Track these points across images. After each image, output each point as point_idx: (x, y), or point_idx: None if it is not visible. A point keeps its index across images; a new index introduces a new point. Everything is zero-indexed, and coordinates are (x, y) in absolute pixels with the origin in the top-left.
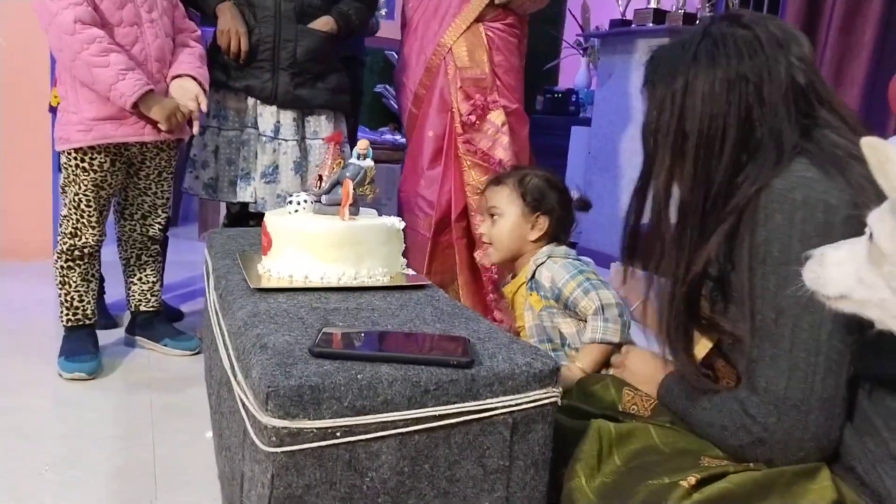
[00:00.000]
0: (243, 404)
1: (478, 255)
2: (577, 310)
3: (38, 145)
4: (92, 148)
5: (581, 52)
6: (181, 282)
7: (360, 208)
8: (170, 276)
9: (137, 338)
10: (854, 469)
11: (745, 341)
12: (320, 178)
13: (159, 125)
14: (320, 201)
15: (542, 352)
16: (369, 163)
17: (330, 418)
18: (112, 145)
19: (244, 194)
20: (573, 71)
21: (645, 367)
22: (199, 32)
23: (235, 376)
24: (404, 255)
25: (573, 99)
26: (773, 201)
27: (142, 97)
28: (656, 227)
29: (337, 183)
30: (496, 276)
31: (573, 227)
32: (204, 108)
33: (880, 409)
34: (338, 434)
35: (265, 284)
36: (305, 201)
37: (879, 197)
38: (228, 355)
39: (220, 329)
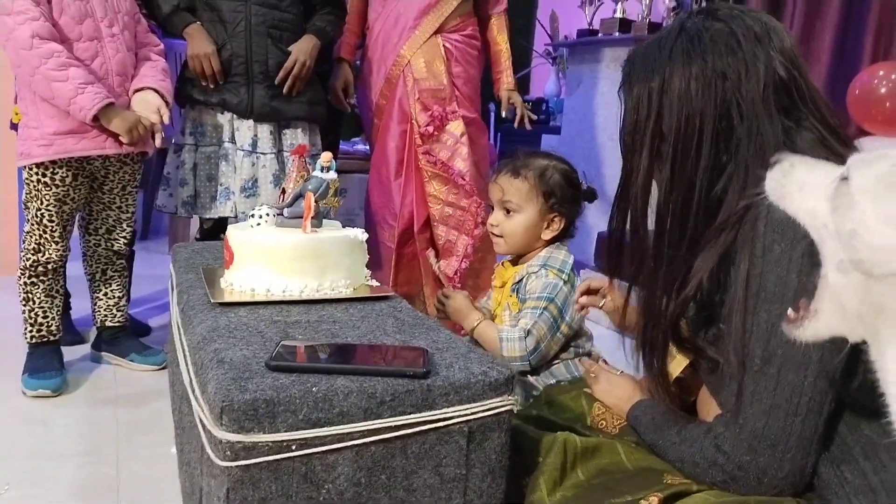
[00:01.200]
0: (200, 419)
1: (443, 263)
2: (517, 316)
3: (1, 161)
4: (53, 162)
5: (550, 61)
6: (150, 296)
7: (325, 220)
8: (139, 290)
9: (104, 353)
10: (830, 501)
11: (727, 372)
12: (283, 190)
13: (121, 138)
14: (283, 214)
15: (497, 361)
16: (332, 175)
17: (285, 431)
18: (74, 159)
19: (224, 209)
20: (544, 80)
21: (615, 390)
22: (161, 46)
23: (193, 391)
24: (368, 266)
25: (543, 108)
26: (773, 231)
27: (102, 110)
28: (634, 233)
29: (299, 196)
30: (459, 285)
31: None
32: (166, 119)
33: (858, 437)
34: (293, 447)
35: (226, 298)
36: (268, 214)
37: None
38: (187, 370)
39: (181, 344)
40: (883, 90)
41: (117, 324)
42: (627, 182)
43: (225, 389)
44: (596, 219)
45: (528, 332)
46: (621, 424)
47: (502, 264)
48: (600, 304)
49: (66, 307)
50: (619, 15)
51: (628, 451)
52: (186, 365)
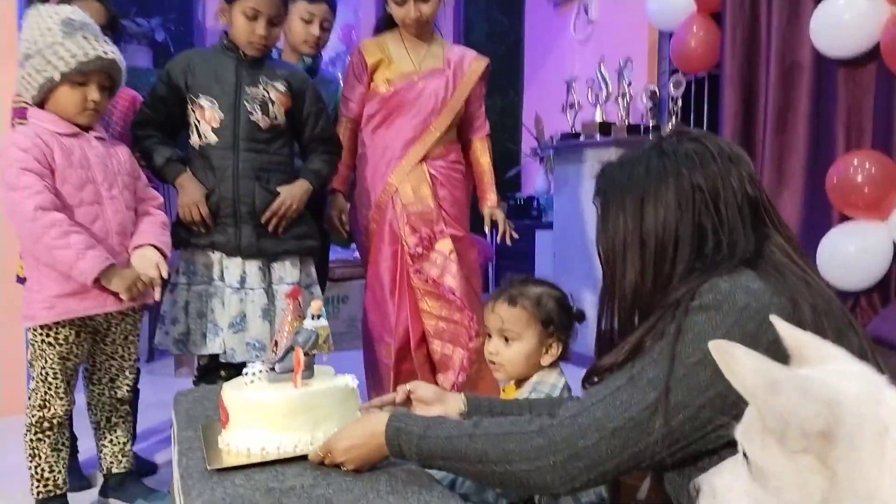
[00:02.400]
0: None
1: (440, 377)
2: None
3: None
4: (57, 323)
5: (539, 160)
6: (156, 427)
7: (318, 367)
8: (145, 421)
9: (111, 500)
10: None
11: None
12: (276, 343)
13: (121, 295)
14: (275, 369)
15: None
16: (322, 323)
17: None
18: (77, 318)
19: (213, 346)
20: (534, 177)
21: (359, 440)
22: (160, 200)
23: None
24: (371, 386)
25: (535, 204)
26: (714, 296)
27: (102, 272)
28: (622, 331)
29: (290, 350)
30: None
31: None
32: (164, 274)
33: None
34: None
35: (223, 462)
36: (260, 371)
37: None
38: None
39: None
40: (860, 178)
41: (123, 469)
42: (612, 284)
43: None
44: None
45: None
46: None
47: (503, 390)
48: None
49: (74, 450)
50: (598, 119)
51: None
52: None
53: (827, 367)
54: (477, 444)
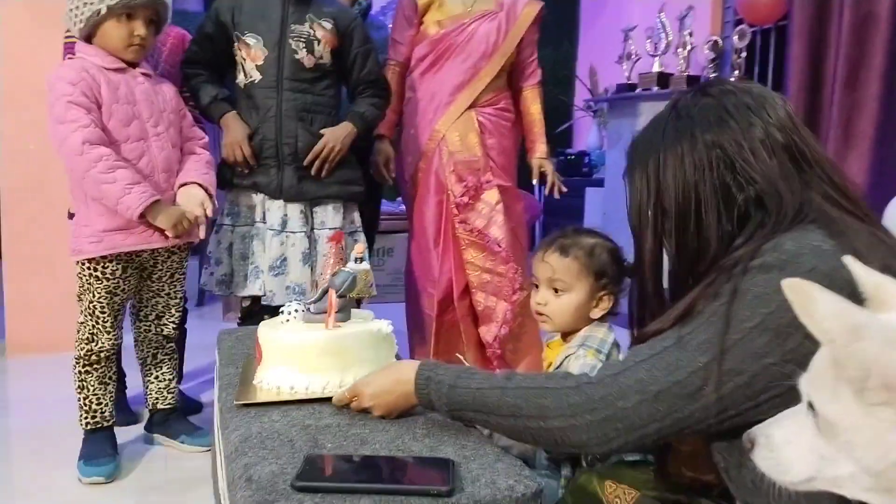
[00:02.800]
0: None
1: (483, 329)
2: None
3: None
4: (104, 257)
5: (591, 114)
6: (203, 368)
7: (357, 311)
8: (192, 363)
9: (156, 435)
10: None
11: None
12: (316, 285)
13: (166, 232)
14: (311, 310)
15: (526, 472)
16: (363, 267)
17: None
18: (123, 253)
19: (254, 287)
20: (586, 132)
21: (378, 385)
22: (206, 139)
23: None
24: (412, 336)
25: (586, 160)
26: (779, 256)
27: (148, 208)
28: (648, 302)
29: (326, 291)
30: (499, 350)
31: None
32: (210, 212)
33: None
34: None
35: (251, 398)
36: (297, 311)
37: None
38: (219, 484)
39: (219, 450)
40: None
41: (168, 406)
42: (639, 255)
43: None
44: None
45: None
46: (635, 499)
47: (548, 345)
48: None
49: (122, 387)
50: (656, 69)
51: None
52: (219, 478)
53: None
54: (509, 397)
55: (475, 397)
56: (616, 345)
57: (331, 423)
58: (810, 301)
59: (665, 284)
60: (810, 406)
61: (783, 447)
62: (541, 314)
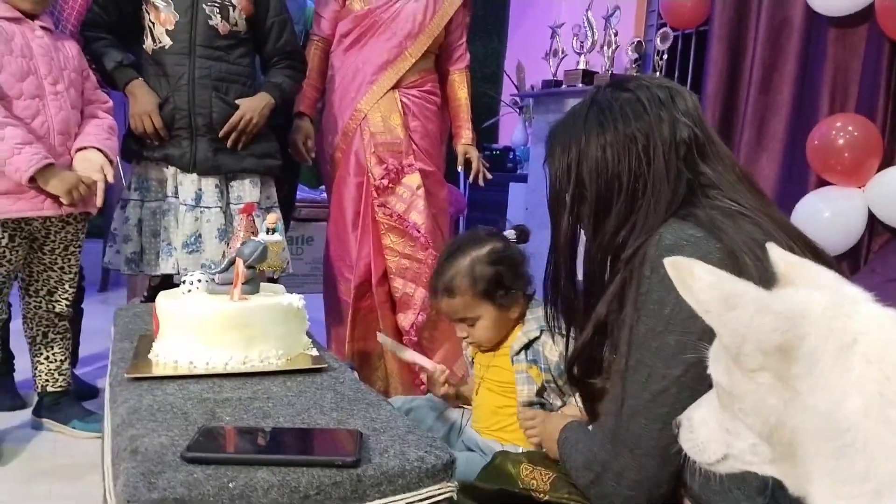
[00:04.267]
0: None
1: (400, 317)
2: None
3: None
4: None
5: (517, 110)
6: (102, 353)
7: (266, 285)
8: (92, 347)
9: (44, 420)
10: None
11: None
12: (224, 254)
13: (60, 199)
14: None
15: (437, 443)
16: (275, 238)
17: None
18: (10, 220)
19: (166, 265)
20: (511, 129)
21: (550, 431)
22: (110, 103)
23: (106, 484)
24: (329, 324)
25: (511, 156)
26: (659, 256)
27: (40, 171)
28: (559, 281)
29: (234, 261)
30: (416, 338)
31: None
32: (110, 178)
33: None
34: None
35: (150, 372)
36: (199, 280)
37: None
38: (104, 458)
39: (106, 427)
40: (841, 141)
41: (59, 388)
42: (556, 237)
43: (132, 487)
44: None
45: None
46: (551, 480)
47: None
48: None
49: (10, 369)
50: (582, 67)
51: None
52: (104, 453)
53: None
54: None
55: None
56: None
57: (231, 396)
58: (689, 275)
59: (580, 265)
60: (714, 381)
61: (700, 427)
62: (470, 344)
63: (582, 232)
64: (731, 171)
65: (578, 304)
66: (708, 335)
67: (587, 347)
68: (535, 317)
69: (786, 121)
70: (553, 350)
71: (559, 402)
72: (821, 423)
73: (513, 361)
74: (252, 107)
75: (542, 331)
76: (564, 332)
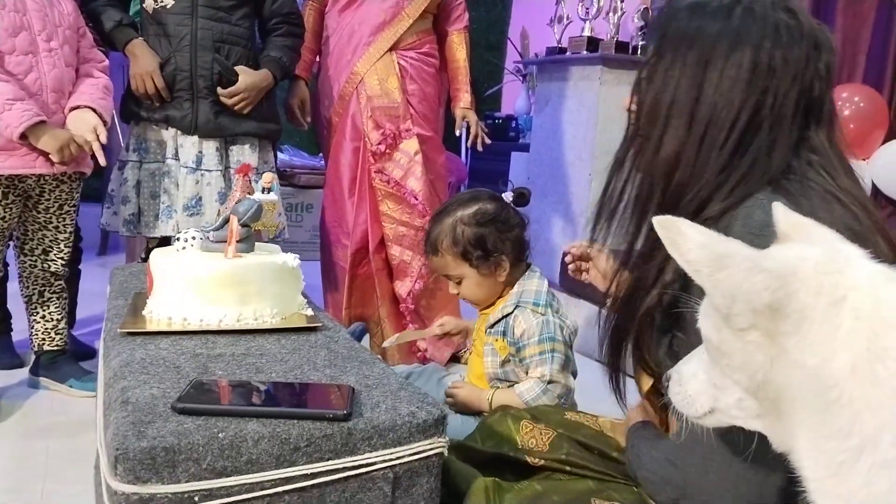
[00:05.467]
0: (100, 467)
1: (397, 284)
2: (526, 371)
3: None
4: None
5: (521, 78)
6: (100, 315)
7: (262, 245)
8: (89, 309)
9: (41, 379)
10: None
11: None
12: (219, 213)
13: (51, 157)
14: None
15: (429, 399)
16: (272, 197)
17: (186, 482)
18: (3, 177)
19: (166, 227)
20: (515, 97)
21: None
22: (106, 62)
23: (98, 435)
24: (327, 287)
25: (513, 125)
26: (749, 233)
27: (31, 128)
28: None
29: (228, 220)
30: (412, 306)
31: (526, 228)
32: (103, 139)
33: None
34: (196, 499)
35: (143, 328)
36: (194, 238)
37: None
38: (97, 410)
39: (99, 382)
40: (847, 112)
41: (56, 348)
42: (643, 149)
43: (122, 436)
44: (562, 238)
45: (551, 381)
46: (550, 438)
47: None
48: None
49: (7, 329)
50: (587, 34)
51: (550, 485)
52: (97, 407)
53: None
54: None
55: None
56: (550, 293)
57: (224, 352)
58: (678, 234)
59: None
60: (704, 336)
61: (689, 381)
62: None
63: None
64: (838, 147)
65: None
66: None
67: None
68: (521, 290)
69: None
70: (521, 324)
71: (522, 377)
72: (807, 380)
73: (486, 333)
74: (253, 84)
75: (516, 307)
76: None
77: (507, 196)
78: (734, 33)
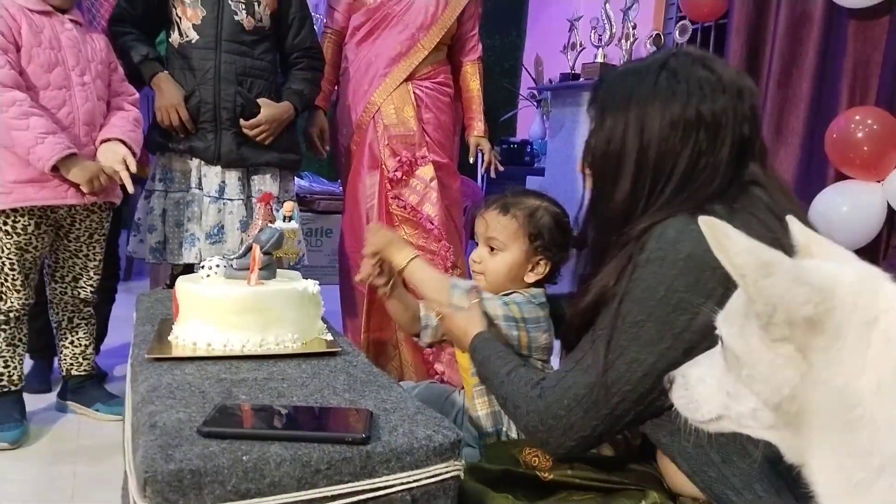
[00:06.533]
0: (129, 489)
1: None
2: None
3: None
4: (14, 211)
5: (535, 104)
6: (125, 339)
7: (283, 272)
8: (117, 335)
9: (69, 403)
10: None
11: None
12: (242, 240)
13: (81, 188)
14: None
15: (445, 423)
16: (292, 225)
17: None
18: (36, 208)
19: (189, 255)
20: (529, 122)
21: (458, 332)
22: (136, 96)
23: (126, 458)
24: (346, 312)
25: (528, 149)
26: (659, 248)
27: (62, 160)
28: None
29: (251, 247)
30: None
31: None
32: (133, 169)
33: (733, 469)
34: None
35: (169, 353)
36: (218, 266)
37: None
38: (125, 434)
39: (127, 405)
40: (860, 134)
41: (83, 372)
42: (601, 197)
43: (150, 458)
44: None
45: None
46: (552, 460)
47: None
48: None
49: (47, 355)
50: (599, 60)
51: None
52: (125, 427)
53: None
54: (504, 387)
55: (489, 374)
56: (544, 304)
57: (247, 377)
58: (725, 237)
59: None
60: (722, 342)
61: (696, 385)
62: (476, 271)
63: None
64: (779, 179)
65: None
66: (691, 333)
67: (588, 313)
68: (520, 300)
69: (804, 114)
70: (489, 309)
71: None
72: (833, 397)
73: None
74: (274, 116)
75: (502, 314)
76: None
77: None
78: (664, 94)
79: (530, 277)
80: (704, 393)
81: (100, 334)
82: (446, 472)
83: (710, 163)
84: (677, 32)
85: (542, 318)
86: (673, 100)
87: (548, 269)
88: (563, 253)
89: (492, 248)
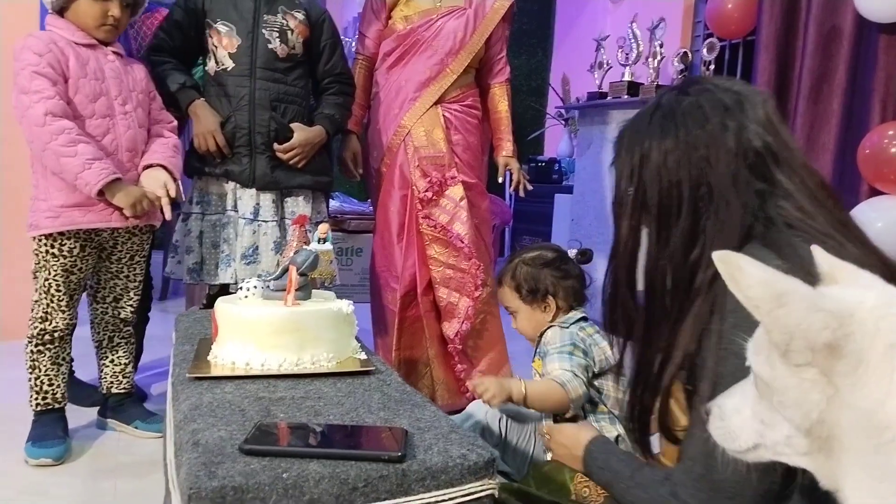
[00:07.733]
0: None
1: (445, 325)
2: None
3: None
4: (61, 234)
5: (563, 122)
6: (164, 359)
7: (318, 291)
8: (153, 354)
9: (109, 420)
10: None
11: (694, 421)
12: (278, 263)
13: (125, 211)
14: (270, 287)
15: (479, 442)
16: (326, 247)
17: None
18: (81, 231)
19: (225, 276)
20: (557, 140)
21: (567, 442)
22: (174, 123)
23: (168, 474)
24: (377, 331)
25: (556, 167)
26: (735, 310)
27: (107, 185)
28: (622, 294)
29: (287, 269)
30: (460, 346)
31: (586, 285)
32: (173, 193)
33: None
34: None
35: (204, 373)
36: (255, 287)
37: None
38: (167, 451)
39: (168, 420)
40: (894, 150)
41: (123, 391)
42: (616, 242)
43: (194, 475)
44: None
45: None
46: (605, 494)
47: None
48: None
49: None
50: (627, 78)
51: None
52: (167, 445)
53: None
54: (631, 491)
55: (610, 478)
56: (575, 339)
57: (285, 395)
58: (738, 270)
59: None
60: (753, 372)
61: (732, 415)
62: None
63: (644, 239)
64: (810, 180)
65: (637, 314)
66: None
67: (674, 374)
68: (548, 337)
69: (836, 130)
70: (547, 336)
71: None
72: (862, 421)
73: (532, 362)
74: (307, 140)
75: (549, 328)
76: (622, 339)
77: (572, 253)
78: (655, 130)
79: (548, 316)
80: (739, 423)
81: (136, 353)
82: (481, 491)
83: (717, 184)
84: (705, 50)
85: (578, 333)
86: (663, 135)
87: (556, 304)
88: (560, 282)
89: (512, 314)
